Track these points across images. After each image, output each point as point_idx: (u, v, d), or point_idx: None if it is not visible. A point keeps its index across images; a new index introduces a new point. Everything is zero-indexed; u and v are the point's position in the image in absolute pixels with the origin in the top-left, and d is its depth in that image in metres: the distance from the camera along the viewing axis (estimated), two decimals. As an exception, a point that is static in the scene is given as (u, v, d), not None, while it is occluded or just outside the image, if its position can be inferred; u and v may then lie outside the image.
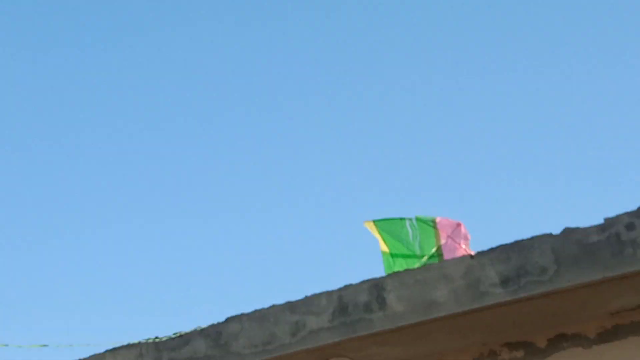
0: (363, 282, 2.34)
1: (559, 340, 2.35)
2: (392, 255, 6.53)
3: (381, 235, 6.60)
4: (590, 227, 2.18)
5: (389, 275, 2.33)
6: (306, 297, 2.43)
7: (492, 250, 2.24)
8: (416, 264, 6.07)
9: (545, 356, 2.34)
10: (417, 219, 6.72)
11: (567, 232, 2.20)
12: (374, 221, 6.66)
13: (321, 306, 2.38)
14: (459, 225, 6.56)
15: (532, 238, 2.21)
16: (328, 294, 2.39)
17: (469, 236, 6.59)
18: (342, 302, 2.35)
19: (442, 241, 6.48)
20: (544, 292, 2.17)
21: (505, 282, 2.20)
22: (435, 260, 5.98)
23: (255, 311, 2.50)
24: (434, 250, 6.54)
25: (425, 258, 6.40)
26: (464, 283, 2.23)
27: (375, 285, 2.31)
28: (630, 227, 2.13)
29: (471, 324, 2.29)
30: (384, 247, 6.58)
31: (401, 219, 6.74)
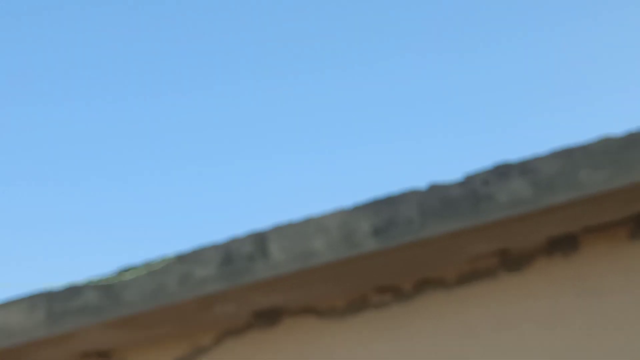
0: (247, 233, 2.50)
1: (423, 285, 2.63)
2: None
3: None
4: (452, 184, 2.41)
5: (271, 228, 2.50)
6: (194, 248, 2.56)
7: (365, 204, 2.44)
8: None
9: (410, 299, 2.61)
10: None
11: (432, 187, 2.43)
12: None
13: (208, 257, 2.53)
14: None
15: (401, 193, 2.43)
16: (215, 246, 2.54)
17: None
18: (228, 253, 2.50)
19: None
20: (411, 242, 2.40)
21: (376, 232, 2.41)
22: None
23: (146, 262, 2.60)
24: None
25: None
26: (339, 234, 2.43)
27: (258, 237, 2.48)
28: (485, 183, 2.38)
29: (345, 272, 2.51)
30: None
31: None
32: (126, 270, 2.63)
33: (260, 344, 2.84)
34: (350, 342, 2.68)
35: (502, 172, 2.38)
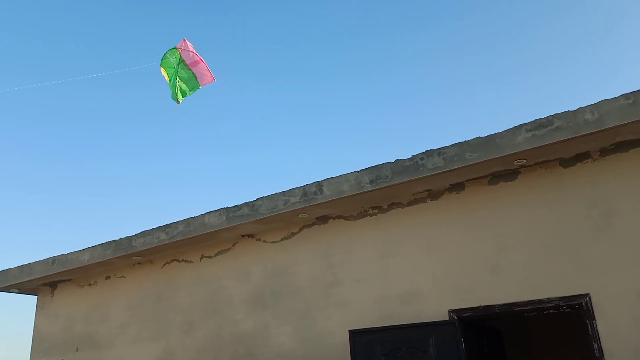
0: (313, 182, 5.61)
1: (392, 205, 5.70)
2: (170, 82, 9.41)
3: (165, 71, 9.41)
4: (405, 158, 5.40)
5: (323, 179, 5.57)
6: (289, 189, 5.69)
7: (365, 168, 5.47)
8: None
9: (387, 211, 5.70)
10: (169, 51, 9.46)
11: (397, 160, 5.42)
12: (161, 65, 9.40)
13: (295, 192, 5.65)
14: (184, 40, 9.40)
15: (382, 163, 5.44)
16: (298, 187, 5.66)
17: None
18: (305, 190, 5.62)
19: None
20: (387, 186, 5.42)
21: (371, 182, 5.45)
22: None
23: (269, 195, 5.77)
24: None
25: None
26: (354, 182, 5.49)
27: (318, 184, 5.59)
28: (421, 158, 5.35)
29: (357, 200, 5.59)
30: (166, 78, 9.44)
31: (165, 56, 9.43)
32: (259, 198, 5.80)
33: (317, 233, 5.99)
34: (361, 232, 5.77)
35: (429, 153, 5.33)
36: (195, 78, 8.52)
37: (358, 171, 5.46)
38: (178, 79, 8.55)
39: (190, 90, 8.53)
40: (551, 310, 4.67)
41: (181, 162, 22.61)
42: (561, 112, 4.48)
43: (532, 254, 4.83)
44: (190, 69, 8.53)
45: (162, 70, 8.67)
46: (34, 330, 8.21)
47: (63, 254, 7.54)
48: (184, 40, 8.70)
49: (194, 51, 8.65)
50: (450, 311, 5.01)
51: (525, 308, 4.69)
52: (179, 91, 8.45)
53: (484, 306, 4.88)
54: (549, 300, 4.61)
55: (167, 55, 8.65)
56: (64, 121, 21.93)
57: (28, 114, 21.57)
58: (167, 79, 8.61)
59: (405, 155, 5.31)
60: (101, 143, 21.94)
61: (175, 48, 8.70)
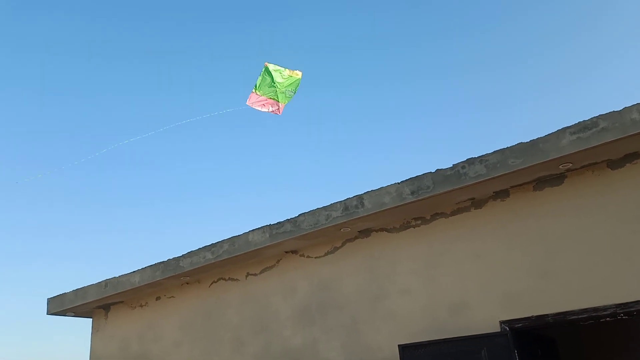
0: (354, 195, 5.59)
1: (435, 215, 5.61)
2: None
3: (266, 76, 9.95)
4: (446, 168, 5.31)
5: (364, 192, 5.54)
6: (331, 203, 5.69)
7: (406, 180, 5.41)
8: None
9: (430, 222, 5.61)
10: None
11: (437, 170, 5.34)
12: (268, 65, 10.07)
13: (336, 207, 5.65)
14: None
15: (422, 174, 5.36)
16: (339, 201, 5.65)
17: None
18: (345, 205, 5.61)
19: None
20: (428, 196, 5.35)
21: (412, 193, 5.39)
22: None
23: (310, 210, 5.77)
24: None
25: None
26: (395, 194, 5.44)
27: (359, 197, 5.56)
28: (462, 167, 5.26)
29: (399, 212, 5.53)
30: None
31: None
32: (301, 214, 5.82)
33: (360, 246, 5.96)
34: (405, 243, 5.71)
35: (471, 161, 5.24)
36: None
37: (399, 183, 5.42)
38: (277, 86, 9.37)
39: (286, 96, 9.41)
40: (607, 319, 4.49)
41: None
42: (606, 113, 4.33)
43: (584, 260, 4.67)
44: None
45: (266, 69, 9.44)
46: (90, 352, 8.45)
47: (115, 277, 7.74)
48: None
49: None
50: (502, 322, 4.88)
51: (580, 317, 4.52)
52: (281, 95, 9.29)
53: (536, 316, 4.73)
54: (605, 308, 4.43)
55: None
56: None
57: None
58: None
59: (446, 164, 5.24)
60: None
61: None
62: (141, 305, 8.00)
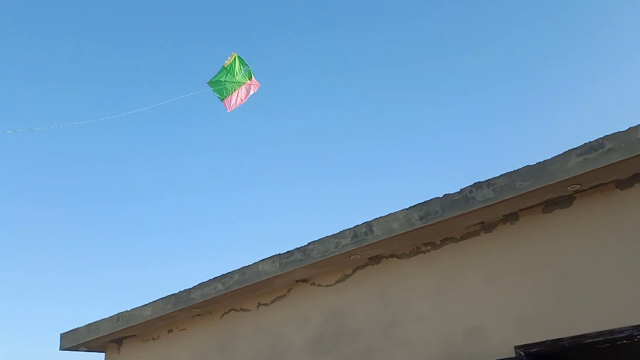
0: (362, 222, 5.58)
1: (445, 240, 5.57)
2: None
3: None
4: (454, 192, 5.30)
5: (372, 219, 5.53)
6: (339, 231, 5.68)
7: (413, 205, 5.41)
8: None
9: (438, 248, 5.58)
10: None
11: (445, 195, 5.33)
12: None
13: (345, 234, 5.63)
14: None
15: (430, 199, 5.36)
16: (348, 229, 5.64)
17: None
18: (355, 232, 5.60)
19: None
20: (437, 222, 5.33)
21: (421, 218, 5.38)
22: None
23: (320, 238, 5.76)
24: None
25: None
26: (404, 220, 5.43)
27: (368, 224, 5.55)
28: (470, 191, 5.25)
29: (408, 238, 5.51)
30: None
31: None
32: (310, 242, 5.82)
33: (371, 273, 5.93)
34: (416, 269, 5.68)
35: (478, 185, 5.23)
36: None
37: (407, 208, 5.41)
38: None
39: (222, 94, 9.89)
40: (624, 341, 4.41)
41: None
42: (612, 133, 4.33)
43: (598, 281, 4.61)
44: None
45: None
46: (104, 386, 8.40)
47: (127, 310, 7.74)
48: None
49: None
50: (517, 347, 4.82)
51: (596, 340, 4.45)
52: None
53: (551, 340, 4.66)
54: (621, 330, 4.37)
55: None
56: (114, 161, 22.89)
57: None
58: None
59: (453, 188, 5.24)
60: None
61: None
62: (153, 339, 7.97)
